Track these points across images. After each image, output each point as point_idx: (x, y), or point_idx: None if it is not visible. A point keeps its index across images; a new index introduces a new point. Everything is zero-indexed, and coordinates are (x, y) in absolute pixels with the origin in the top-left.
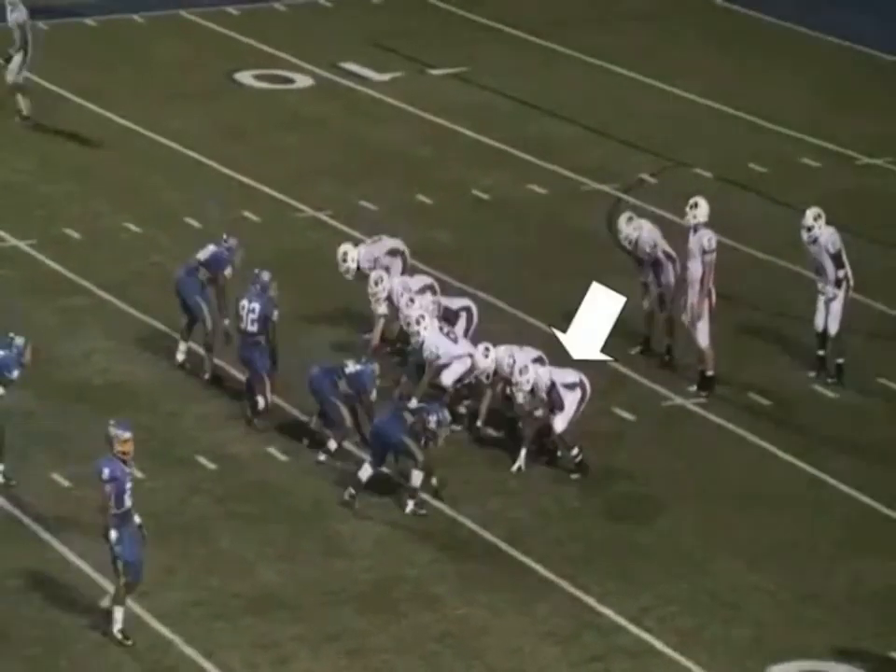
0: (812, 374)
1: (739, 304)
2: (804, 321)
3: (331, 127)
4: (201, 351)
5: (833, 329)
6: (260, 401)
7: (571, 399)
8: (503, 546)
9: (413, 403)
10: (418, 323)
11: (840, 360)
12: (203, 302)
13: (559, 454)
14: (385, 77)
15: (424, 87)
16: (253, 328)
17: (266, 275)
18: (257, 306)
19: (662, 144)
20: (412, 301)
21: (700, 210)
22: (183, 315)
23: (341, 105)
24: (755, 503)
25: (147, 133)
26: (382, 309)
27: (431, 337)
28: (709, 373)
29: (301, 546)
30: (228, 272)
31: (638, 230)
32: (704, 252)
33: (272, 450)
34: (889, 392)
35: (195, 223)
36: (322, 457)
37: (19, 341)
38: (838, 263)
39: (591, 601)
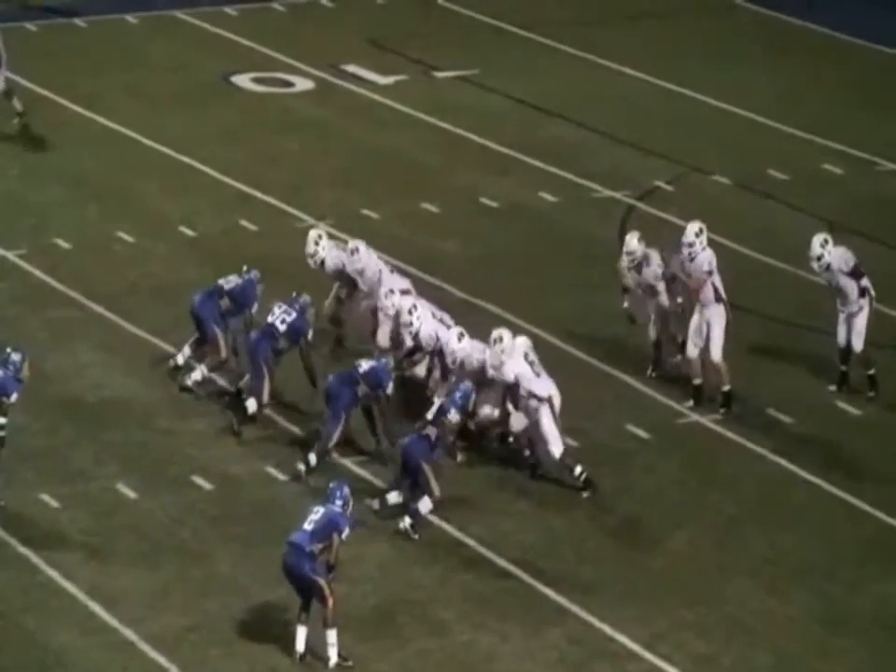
0: (833, 388)
1: (758, 315)
2: (825, 333)
3: (333, 132)
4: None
5: (858, 345)
6: (251, 404)
7: (547, 418)
8: (512, 569)
9: (440, 397)
10: (410, 313)
11: (871, 371)
12: (220, 330)
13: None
14: (389, 79)
15: (429, 90)
16: (282, 326)
17: (307, 298)
18: (293, 314)
19: (678, 149)
20: (391, 291)
21: (697, 243)
22: (196, 332)
23: (342, 109)
24: (774, 523)
25: (140, 138)
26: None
27: (427, 325)
28: (725, 388)
29: None
30: (255, 308)
31: (644, 257)
32: (709, 273)
33: (270, 469)
34: None
35: (190, 232)
36: (301, 468)
37: (15, 357)
38: (857, 276)
39: (603, 626)
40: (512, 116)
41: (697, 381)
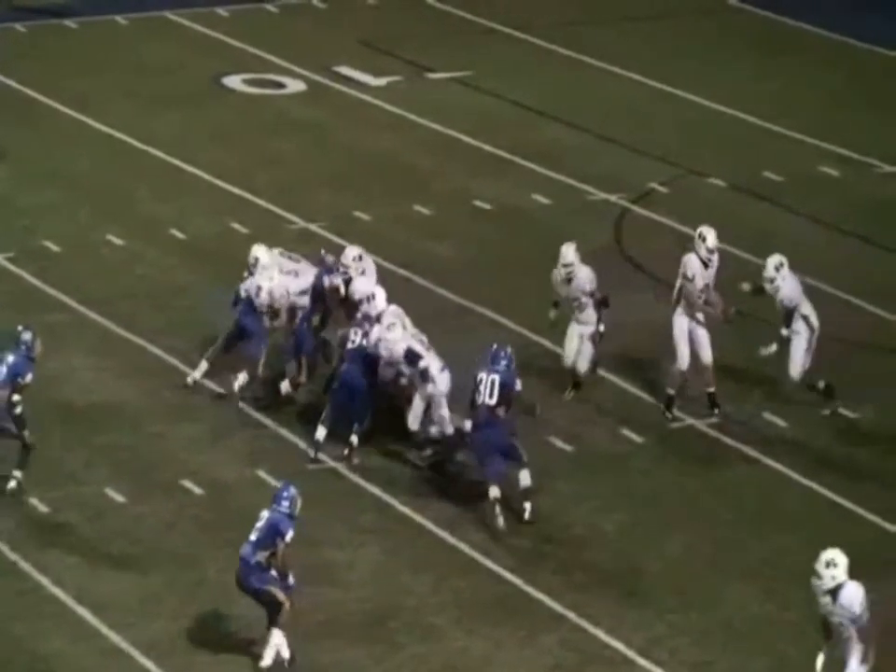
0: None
1: (753, 319)
2: (822, 336)
3: (325, 134)
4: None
5: (795, 373)
6: (242, 377)
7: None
8: (506, 574)
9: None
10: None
11: (821, 384)
12: (264, 349)
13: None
14: (381, 81)
15: (422, 92)
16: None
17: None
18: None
19: (673, 151)
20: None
21: (716, 244)
22: (227, 340)
23: (334, 110)
24: (771, 528)
25: (131, 140)
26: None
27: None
28: (711, 389)
29: (292, 575)
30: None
31: (579, 269)
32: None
33: (261, 473)
34: None
35: (181, 235)
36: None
37: (26, 335)
38: (802, 309)
39: (598, 632)
40: (506, 117)
41: (671, 391)
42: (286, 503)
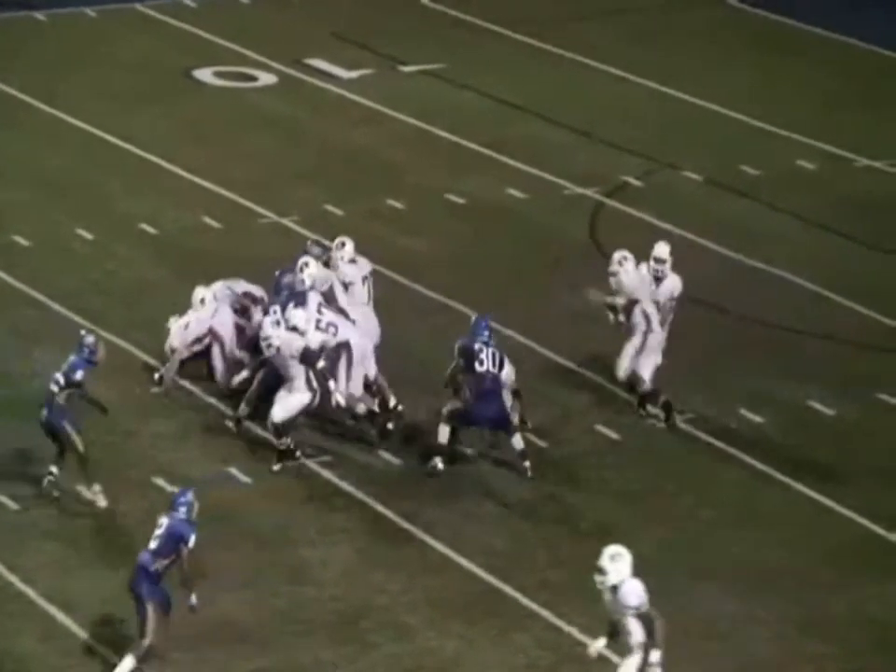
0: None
1: (729, 315)
2: (797, 333)
3: (296, 127)
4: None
5: (622, 373)
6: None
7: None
8: (479, 573)
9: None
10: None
11: (644, 388)
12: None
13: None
14: (353, 74)
15: (395, 85)
16: None
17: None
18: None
19: (650, 145)
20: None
21: (666, 255)
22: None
23: (306, 104)
24: (747, 526)
25: (102, 134)
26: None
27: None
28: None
29: (265, 573)
30: None
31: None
32: (671, 299)
33: (233, 471)
34: (889, 407)
35: (151, 230)
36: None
37: (89, 339)
38: (646, 307)
39: (572, 630)
40: (482, 112)
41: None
42: (183, 509)
